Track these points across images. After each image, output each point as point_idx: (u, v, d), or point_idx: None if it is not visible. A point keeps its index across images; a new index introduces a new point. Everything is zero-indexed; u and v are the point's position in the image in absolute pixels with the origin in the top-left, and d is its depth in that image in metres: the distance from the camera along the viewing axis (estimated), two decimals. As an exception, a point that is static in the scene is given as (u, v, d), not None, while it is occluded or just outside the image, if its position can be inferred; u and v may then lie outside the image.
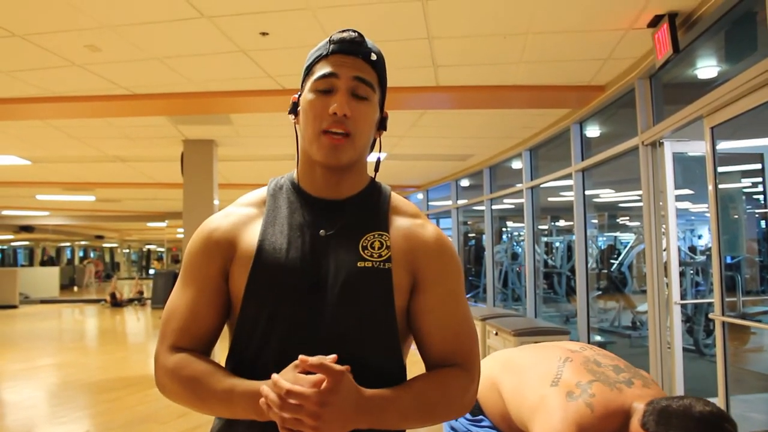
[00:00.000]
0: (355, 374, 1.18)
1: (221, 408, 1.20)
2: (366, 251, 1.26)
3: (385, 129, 1.36)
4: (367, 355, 1.24)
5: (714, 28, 3.80)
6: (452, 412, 1.26)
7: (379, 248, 1.27)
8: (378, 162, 1.41)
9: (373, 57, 1.30)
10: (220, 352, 1.29)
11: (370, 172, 1.41)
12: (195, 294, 1.28)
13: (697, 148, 4.50)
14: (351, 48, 1.28)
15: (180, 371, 1.22)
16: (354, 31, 1.30)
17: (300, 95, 1.33)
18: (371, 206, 1.34)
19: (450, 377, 1.26)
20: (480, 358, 1.35)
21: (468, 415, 2.04)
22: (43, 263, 31.87)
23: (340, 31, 1.30)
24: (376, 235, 1.29)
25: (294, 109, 1.35)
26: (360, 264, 1.25)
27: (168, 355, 1.25)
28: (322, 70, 1.26)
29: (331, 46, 1.28)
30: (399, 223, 1.33)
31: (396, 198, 1.39)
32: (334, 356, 1.11)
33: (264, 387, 1.11)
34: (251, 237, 1.29)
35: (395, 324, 1.27)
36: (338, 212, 1.31)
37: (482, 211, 9.65)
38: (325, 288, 1.23)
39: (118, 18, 3.77)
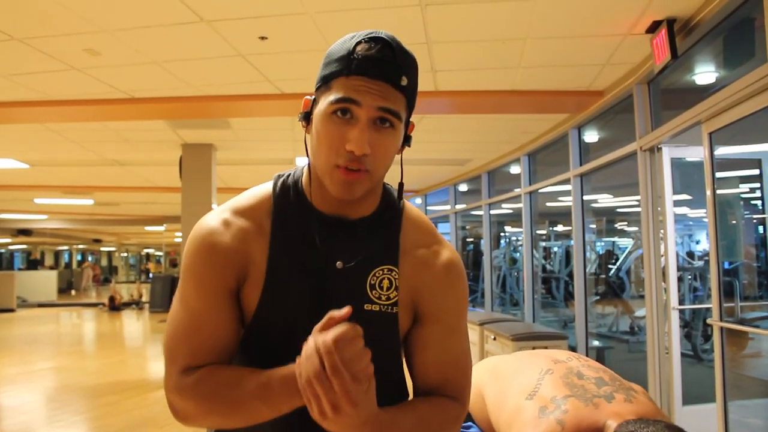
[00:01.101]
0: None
1: (261, 406, 1.08)
2: (374, 291, 1.19)
3: (409, 145, 1.21)
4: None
5: (712, 33, 3.81)
6: None
7: (387, 289, 1.20)
8: (401, 187, 1.26)
9: (404, 82, 1.09)
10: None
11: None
12: (208, 305, 1.15)
13: (695, 153, 4.52)
14: (378, 71, 1.07)
15: (203, 385, 1.11)
16: (384, 43, 1.09)
17: (314, 100, 1.16)
18: (384, 231, 1.24)
19: (448, 408, 1.22)
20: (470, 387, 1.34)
21: None
22: (30, 265, 31.72)
23: (366, 39, 1.09)
24: (385, 271, 1.21)
25: (306, 117, 1.17)
26: (367, 307, 1.18)
27: (182, 377, 1.13)
28: (341, 92, 1.07)
29: (355, 62, 1.07)
30: (411, 254, 1.24)
31: (410, 216, 1.28)
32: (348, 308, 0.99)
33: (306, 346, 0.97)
34: (258, 258, 1.18)
35: (400, 361, 1.26)
36: (350, 236, 1.21)
37: (480, 215, 9.65)
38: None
39: (118, 22, 3.77)
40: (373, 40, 1.09)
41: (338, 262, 1.18)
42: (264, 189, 1.26)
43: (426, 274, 1.23)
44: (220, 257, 1.16)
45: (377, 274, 1.20)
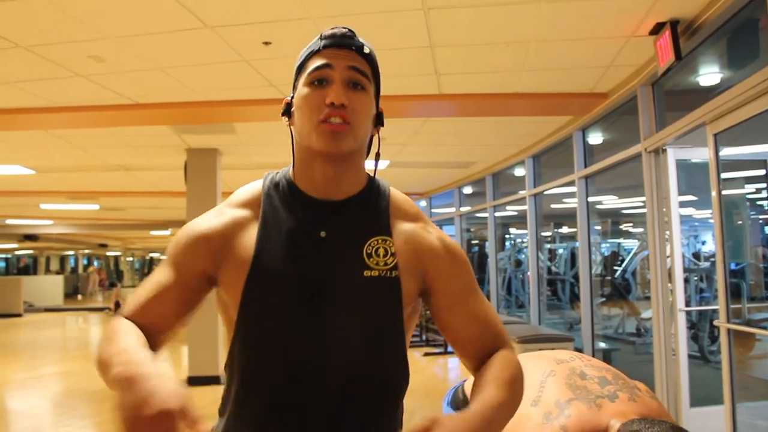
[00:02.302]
0: (361, 385, 1.19)
1: (104, 369, 1.10)
2: (371, 259, 1.23)
3: (382, 125, 1.33)
4: (375, 365, 1.22)
5: (716, 35, 3.80)
6: (522, 387, 1.24)
7: (384, 255, 1.24)
8: (377, 155, 1.36)
9: (366, 50, 1.27)
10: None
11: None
12: (167, 279, 1.23)
13: (700, 154, 4.51)
14: (343, 41, 1.25)
15: (110, 328, 1.17)
16: (344, 27, 1.28)
17: (293, 96, 1.29)
18: (372, 207, 1.30)
19: (507, 359, 1.24)
20: None
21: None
22: (19, 271, 31.73)
23: (330, 28, 1.28)
24: (379, 241, 1.25)
25: (287, 111, 1.30)
26: (366, 273, 1.21)
27: (119, 318, 1.21)
28: (316, 63, 1.23)
29: (323, 41, 1.25)
30: (401, 227, 1.29)
31: (396, 197, 1.35)
32: None
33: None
34: (247, 242, 1.23)
35: (403, 333, 1.26)
36: (338, 213, 1.26)
37: (485, 218, 9.65)
38: (330, 298, 1.20)
39: (122, 29, 3.78)
40: (336, 27, 1.27)
41: (323, 233, 1.23)
42: (255, 183, 1.34)
43: (421, 245, 1.28)
44: (200, 242, 1.24)
45: (372, 244, 1.24)
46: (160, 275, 1.25)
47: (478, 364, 1.27)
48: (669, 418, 1.77)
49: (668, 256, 4.58)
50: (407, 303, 1.25)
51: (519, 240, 12.54)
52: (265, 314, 1.20)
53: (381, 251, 1.24)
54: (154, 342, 1.18)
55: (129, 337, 1.11)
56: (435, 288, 1.28)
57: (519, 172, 8.32)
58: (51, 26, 3.71)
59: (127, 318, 1.20)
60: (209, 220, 1.27)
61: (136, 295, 1.24)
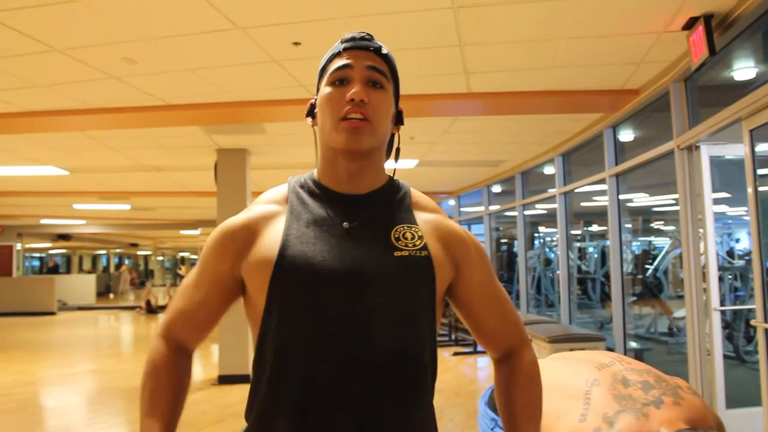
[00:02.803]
0: (398, 362, 1.22)
1: (140, 412, 1.29)
2: (400, 242, 1.27)
3: (402, 123, 1.39)
4: (407, 343, 1.24)
5: (752, 28, 3.73)
6: (541, 390, 1.40)
7: (412, 239, 1.28)
8: (397, 152, 1.42)
9: (384, 50, 1.34)
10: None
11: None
12: (198, 284, 1.33)
13: (735, 151, 4.43)
14: (362, 44, 1.32)
15: (148, 372, 1.31)
16: (363, 32, 1.36)
17: (316, 98, 1.36)
18: (394, 201, 1.35)
19: (522, 361, 1.39)
20: None
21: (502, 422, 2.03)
22: (49, 270, 32.18)
23: (350, 33, 1.35)
24: (405, 227, 1.30)
25: (311, 112, 1.37)
26: (397, 254, 1.25)
27: (160, 339, 1.34)
28: (336, 64, 1.30)
29: (343, 44, 1.33)
30: (423, 217, 1.35)
31: (416, 194, 1.41)
32: None
33: None
34: (275, 231, 1.27)
35: (435, 312, 1.29)
36: (361, 206, 1.30)
37: (514, 216, 9.59)
38: (362, 278, 1.21)
39: (154, 31, 3.84)
40: (354, 32, 1.35)
41: (346, 223, 1.27)
42: (281, 186, 1.41)
43: (446, 232, 1.34)
44: (226, 240, 1.31)
45: (399, 230, 1.29)
46: (192, 280, 1.35)
47: (500, 356, 1.40)
48: (712, 415, 1.76)
49: (702, 254, 4.51)
50: (440, 283, 1.29)
51: (548, 238, 12.44)
52: (295, 301, 1.21)
53: (408, 235, 1.28)
54: (191, 349, 1.36)
55: (158, 403, 1.28)
56: (463, 276, 1.34)
57: (549, 170, 8.26)
58: (86, 30, 3.77)
59: (164, 337, 1.34)
60: (236, 217, 1.35)
61: (171, 309, 1.36)
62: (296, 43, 4.05)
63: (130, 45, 4.03)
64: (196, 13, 3.56)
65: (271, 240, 1.26)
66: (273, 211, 1.32)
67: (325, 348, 1.19)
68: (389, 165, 1.41)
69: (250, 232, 1.29)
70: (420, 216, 1.34)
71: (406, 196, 1.37)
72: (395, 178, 1.40)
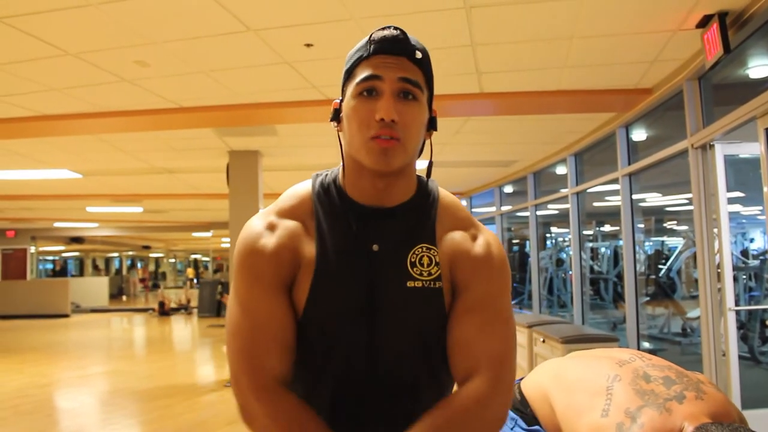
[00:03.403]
0: (409, 392, 1.22)
1: None
2: (415, 269, 1.21)
3: (435, 129, 1.27)
4: (420, 370, 1.24)
5: (767, 26, 3.70)
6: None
7: (428, 265, 1.22)
8: (430, 165, 1.33)
9: (418, 55, 1.21)
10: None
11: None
12: (267, 303, 1.19)
13: (749, 149, 4.39)
14: (393, 47, 1.19)
15: (281, 416, 1.14)
16: (396, 28, 1.21)
17: (342, 100, 1.25)
18: (420, 214, 1.27)
19: (463, 396, 1.17)
20: (515, 368, 1.29)
21: (523, 425, 2.02)
22: (55, 273, 32.32)
23: (380, 29, 1.21)
24: (424, 249, 1.23)
25: (336, 116, 1.27)
26: (410, 284, 1.21)
27: (259, 394, 1.14)
28: (364, 72, 1.18)
29: (372, 46, 1.20)
30: (447, 236, 1.27)
31: (445, 202, 1.31)
32: None
33: None
34: (307, 255, 1.22)
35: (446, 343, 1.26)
36: (388, 221, 1.24)
37: (526, 217, 9.56)
38: (378, 310, 1.20)
39: (166, 34, 3.85)
40: (387, 28, 1.21)
41: (374, 245, 1.21)
42: (303, 188, 1.31)
43: (461, 252, 1.25)
44: (271, 256, 1.21)
45: (416, 252, 1.22)
46: (252, 304, 1.20)
47: (458, 381, 1.23)
48: (735, 409, 1.75)
49: (716, 254, 4.47)
50: (447, 309, 1.25)
51: (560, 239, 12.38)
52: (324, 327, 1.21)
53: (425, 260, 1.23)
54: (287, 379, 1.20)
55: None
56: (455, 292, 1.25)
57: (561, 170, 8.23)
58: (99, 33, 3.79)
59: (261, 388, 1.15)
60: (269, 235, 1.24)
61: (257, 335, 1.18)
62: (308, 45, 4.05)
63: (142, 48, 4.04)
64: (207, 15, 3.57)
65: (305, 268, 1.21)
66: (300, 227, 1.25)
67: (339, 381, 1.22)
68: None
69: (290, 253, 1.22)
70: (445, 231, 1.27)
71: (432, 208, 1.29)
72: (425, 180, 1.32)
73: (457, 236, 1.27)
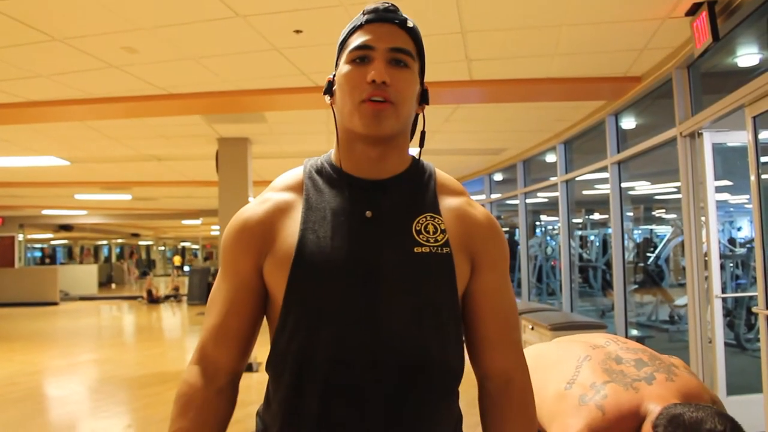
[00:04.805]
0: (417, 366, 1.15)
1: None
2: (421, 236, 1.19)
3: (427, 103, 1.27)
4: (430, 347, 1.17)
5: (756, 14, 3.70)
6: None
7: (434, 232, 1.20)
8: (423, 135, 1.32)
9: (410, 24, 1.23)
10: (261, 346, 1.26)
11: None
12: (230, 290, 1.23)
13: (738, 138, 4.42)
14: (386, 16, 1.21)
15: (175, 410, 1.21)
16: (387, 2, 1.23)
17: (335, 74, 1.25)
18: (418, 186, 1.26)
19: (514, 391, 1.28)
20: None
21: None
22: (42, 262, 32.14)
23: (373, 3, 1.23)
24: (428, 218, 1.22)
25: (329, 89, 1.26)
26: (417, 249, 1.17)
27: (191, 367, 1.24)
28: (357, 40, 1.19)
29: (365, 16, 1.21)
30: (448, 203, 1.26)
31: (441, 175, 1.32)
32: None
33: None
34: (291, 225, 1.20)
35: (459, 312, 1.23)
36: (382, 192, 1.22)
37: (516, 205, 9.58)
38: (380, 277, 1.15)
39: (154, 20, 3.82)
40: (378, 2, 1.24)
41: (367, 212, 1.20)
42: (296, 169, 1.32)
43: (470, 223, 1.26)
44: (245, 237, 1.22)
45: (421, 221, 1.21)
46: (221, 288, 1.25)
47: (489, 375, 1.28)
48: (708, 393, 1.76)
49: (704, 242, 4.51)
50: (460, 281, 1.21)
51: (550, 227, 12.43)
52: (314, 298, 1.16)
53: (430, 228, 1.21)
54: (231, 373, 1.25)
55: None
56: (478, 270, 1.25)
57: (550, 158, 8.24)
58: (86, 19, 3.76)
59: (196, 363, 1.24)
60: (251, 209, 1.26)
61: (209, 315, 1.26)
62: (297, 31, 4.03)
63: (130, 34, 4.01)
64: (196, 1, 3.55)
65: (288, 235, 1.19)
66: (289, 201, 1.24)
67: (344, 354, 1.14)
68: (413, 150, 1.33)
69: (267, 228, 1.21)
70: (445, 202, 1.26)
71: (431, 180, 1.28)
72: (419, 159, 1.31)
73: (457, 203, 1.27)
